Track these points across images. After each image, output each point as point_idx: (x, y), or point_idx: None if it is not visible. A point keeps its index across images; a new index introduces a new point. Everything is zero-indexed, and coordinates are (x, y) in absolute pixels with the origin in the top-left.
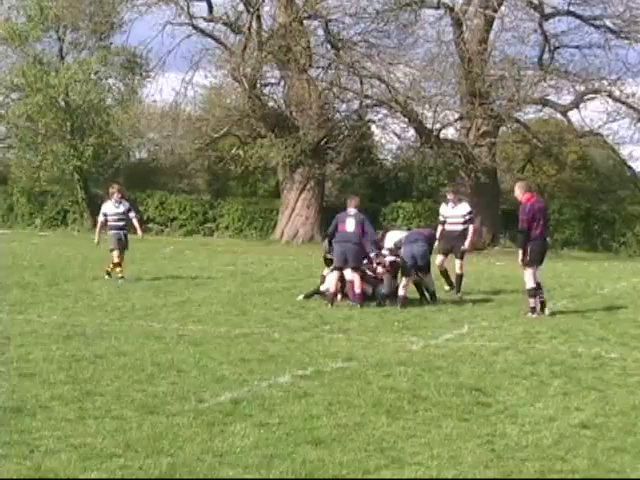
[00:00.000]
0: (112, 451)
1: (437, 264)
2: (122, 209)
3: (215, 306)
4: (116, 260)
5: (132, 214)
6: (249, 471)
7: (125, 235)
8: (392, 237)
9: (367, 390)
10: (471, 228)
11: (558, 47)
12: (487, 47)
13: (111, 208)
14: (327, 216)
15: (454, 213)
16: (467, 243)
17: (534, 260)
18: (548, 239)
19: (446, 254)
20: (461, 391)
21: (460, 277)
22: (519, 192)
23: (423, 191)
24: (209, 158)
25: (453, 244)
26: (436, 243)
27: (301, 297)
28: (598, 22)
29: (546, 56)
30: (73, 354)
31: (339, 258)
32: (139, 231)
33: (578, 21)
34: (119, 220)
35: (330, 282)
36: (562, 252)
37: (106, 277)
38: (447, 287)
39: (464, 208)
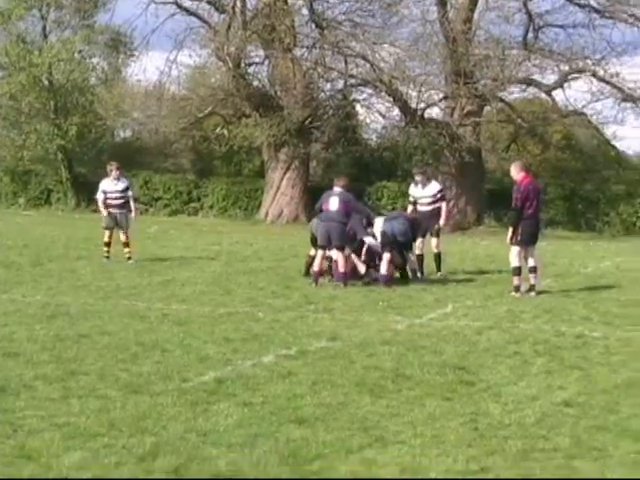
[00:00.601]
0: (96, 430)
1: (416, 246)
2: (121, 187)
3: (199, 286)
4: (106, 239)
5: (130, 193)
6: (233, 450)
7: (124, 215)
8: (378, 225)
9: (351, 369)
10: (444, 205)
11: (542, 26)
12: (471, 26)
13: (110, 186)
14: (312, 196)
15: (424, 194)
16: (442, 221)
17: (524, 240)
18: (541, 217)
19: (423, 235)
20: (445, 370)
21: (438, 255)
22: (515, 172)
23: (408, 171)
24: (193, 138)
25: (427, 224)
26: None
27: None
28: (582, 1)
29: (530, 35)
30: (57, 334)
31: (323, 237)
32: (133, 212)
33: (562, 0)
34: (118, 198)
35: (315, 261)
36: (546, 232)
37: (130, 262)
38: (418, 273)
39: (434, 187)
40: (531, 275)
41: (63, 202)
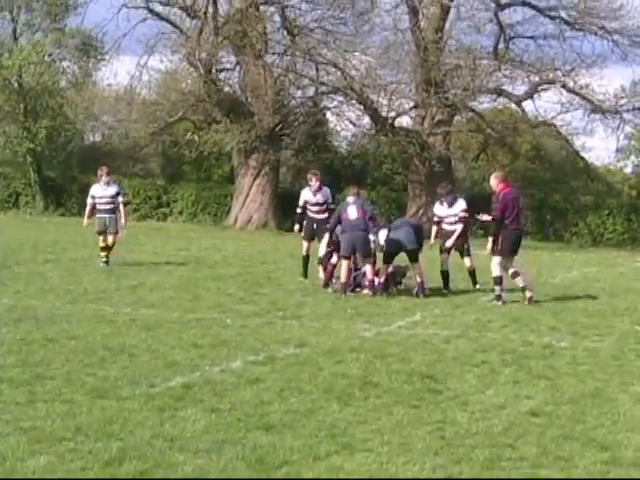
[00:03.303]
0: (62, 435)
1: (441, 260)
2: (110, 192)
3: (168, 291)
4: (102, 244)
5: (120, 198)
6: (200, 456)
7: (114, 219)
8: (383, 235)
9: (319, 376)
10: (460, 227)
11: (513, 37)
12: (443, 36)
13: (99, 191)
14: (281, 202)
15: (450, 212)
16: (451, 241)
17: (504, 250)
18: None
19: (448, 252)
20: (412, 378)
21: (473, 272)
22: (494, 182)
23: (377, 178)
24: (163, 142)
25: (455, 243)
26: (431, 241)
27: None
28: (553, 13)
29: (501, 46)
30: (24, 337)
31: (347, 247)
32: (122, 218)
33: (533, 11)
34: (107, 203)
35: (341, 272)
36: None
37: (101, 265)
38: (445, 290)
39: (461, 205)
40: (516, 279)
41: (31, 205)
